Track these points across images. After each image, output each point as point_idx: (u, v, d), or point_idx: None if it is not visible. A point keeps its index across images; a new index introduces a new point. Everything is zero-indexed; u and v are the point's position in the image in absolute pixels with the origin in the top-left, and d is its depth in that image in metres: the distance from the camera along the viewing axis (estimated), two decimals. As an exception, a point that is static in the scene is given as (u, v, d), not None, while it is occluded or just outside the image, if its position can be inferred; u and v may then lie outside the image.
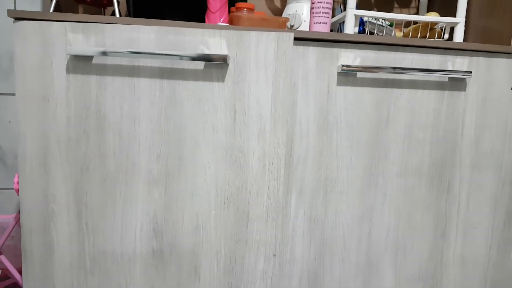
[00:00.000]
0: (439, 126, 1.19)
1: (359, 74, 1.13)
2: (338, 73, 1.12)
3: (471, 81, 1.18)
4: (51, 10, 1.10)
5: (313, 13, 1.16)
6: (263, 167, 1.02)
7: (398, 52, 1.15)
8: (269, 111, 1.01)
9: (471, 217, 1.24)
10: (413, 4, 1.59)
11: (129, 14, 1.23)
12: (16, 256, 1.58)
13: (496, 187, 1.23)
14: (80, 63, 0.99)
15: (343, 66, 1.10)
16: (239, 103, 1.02)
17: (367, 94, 1.15)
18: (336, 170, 1.16)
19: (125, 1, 1.25)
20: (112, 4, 1.15)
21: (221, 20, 1.14)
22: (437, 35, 1.25)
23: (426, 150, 1.19)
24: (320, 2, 1.15)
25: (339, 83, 1.13)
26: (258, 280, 1.04)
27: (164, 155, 1.01)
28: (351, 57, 1.13)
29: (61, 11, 1.25)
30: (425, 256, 1.24)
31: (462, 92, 1.18)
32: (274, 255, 1.04)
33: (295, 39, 1.10)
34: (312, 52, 1.10)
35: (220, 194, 1.02)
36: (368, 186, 1.18)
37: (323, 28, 1.16)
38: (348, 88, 1.13)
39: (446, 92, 1.18)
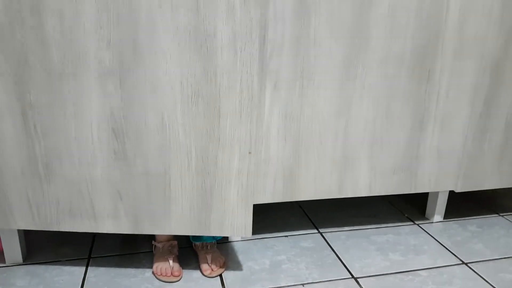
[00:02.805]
0: (423, 9, 1.01)
1: None
2: None
3: (461, -45, 0.98)
4: None
5: None
6: (234, 54, 0.82)
7: None
8: (239, -19, 0.78)
9: (450, 107, 1.11)
10: None
11: None
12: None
13: (476, 75, 1.10)
14: None
15: None
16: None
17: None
18: (314, 60, 0.98)
19: None
20: None
21: None
22: None
23: (408, 36, 1.02)
24: None
25: (318, -45, 0.91)
26: (233, 179, 0.90)
27: (115, 41, 0.78)
28: None
29: None
30: (401, 149, 1.13)
31: (451, -31, 0.99)
32: (250, 153, 0.89)
33: None
34: None
35: (186, 87, 0.83)
36: (347, 77, 1.02)
37: None
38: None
39: (434, -31, 0.98)
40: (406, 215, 1.36)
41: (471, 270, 1.05)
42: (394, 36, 1.01)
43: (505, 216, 1.36)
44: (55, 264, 1.03)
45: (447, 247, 1.16)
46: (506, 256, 1.13)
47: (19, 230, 1.02)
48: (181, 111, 0.85)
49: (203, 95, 0.84)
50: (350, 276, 1.02)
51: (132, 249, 1.11)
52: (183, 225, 0.93)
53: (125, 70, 0.80)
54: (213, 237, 1.08)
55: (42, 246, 1.11)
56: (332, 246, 1.15)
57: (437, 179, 1.19)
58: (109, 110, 0.83)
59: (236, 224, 0.94)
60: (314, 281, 1.00)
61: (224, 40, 0.80)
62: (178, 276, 0.98)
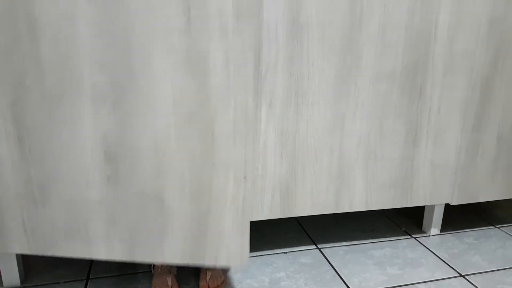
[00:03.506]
0: (412, 27, 1.01)
1: (330, -34, 0.92)
2: (307, -36, 0.90)
3: (448, -26, 0.99)
4: None
5: None
6: (227, 76, 0.81)
7: None
8: (230, 2, 0.78)
9: (442, 122, 1.11)
10: None
11: None
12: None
13: (466, 89, 1.09)
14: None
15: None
16: None
17: (339, -10, 0.94)
18: (307, 79, 0.98)
19: None
20: None
21: None
22: None
23: (399, 53, 1.02)
24: None
25: (308, -23, 0.91)
26: (228, 205, 0.87)
27: (109, 64, 0.78)
28: None
29: None
30: (396, 163, 1.12)
31: (439, -13, 1.00)
32: (245, 178, 0.87)
33: None
34: None
35: (179, 109, 0.82)
36: (340, 95, 1.01)
37: None
38: (318, -17, 0.92)
39: (422, -13, 0.99)
40: (403, 228, 1.34)
41: (468, 283, 1.04)
42: (385, 54, 1.01)
43: (501, 228, 1.35)
44: (53, 286, 1.01)
45: (444, 259, 1.15)
46: (503, 268, 1.11)
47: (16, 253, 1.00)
48: (174, 133, 0.83)
49: (197, 117, 0.83)
50: (349, 293, 1.00)
51: (131, 269, 1.09)
52: (176, 253, 0.90)
53: (118, 93, 0.79)
54: None
55: (40, 268, 1.09)
56: (330, 261, 1.14)
57: (433, 193, 1.17)
58: (102, 134, 0.82)
59: (231, 253, 0.90)
60: (312, 299, 0.98)
61: (218, 61, 0.79)
62: None
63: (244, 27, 0.77)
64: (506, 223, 1.38)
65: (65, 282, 1.03)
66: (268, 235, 1.28)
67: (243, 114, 0.84)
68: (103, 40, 0.76)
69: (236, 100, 0.83)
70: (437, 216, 1.28)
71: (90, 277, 1.05)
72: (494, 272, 1.09)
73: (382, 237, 1.28)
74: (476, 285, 1.03)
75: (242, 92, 0.82)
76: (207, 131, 0.84)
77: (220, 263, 0.91)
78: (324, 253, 1.18)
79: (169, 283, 0.97)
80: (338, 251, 1.19)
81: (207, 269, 1.02)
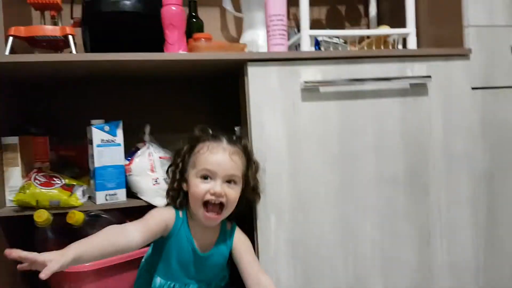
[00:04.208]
0: (408, 133, 1.06)
1: (322, 89, 1.01)
2: (302, 89, 1.00)
3: (432, 86, 1.07)
4: (7, 53, 0.96)
5: (270, 36, 1.05)
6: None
7: (357, 64, 1.03)
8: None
9: (453, 220, 1.09)
10: (363, 22, 1.50)
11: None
12: None
13: (473, 187, 1.10)
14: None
15: (305, 82, 0.98)
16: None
17: (332, 107, 1.02)
18: (311, 188, 1.01)
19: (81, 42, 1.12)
20: (68, 46, 1.01)
21: (180, 50, 1.02)
22: (391, 47, 1.16)
23: (398, 158, 1.06)
24: (275, 25, 1.04)
25: (304, 99, 1.00)
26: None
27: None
28: (312, 73, 1.01)
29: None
30: (414, 266, 1.07)
31: (425, 97, 1.07)
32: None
33: (255, 60, 0.98)
34: (274, 71, 0.99)
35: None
36: (345, 201, 1.03)
37: (281, 49, 1.05)
38: (314, 103, 1.01)
39: (410, 99, 1.06)
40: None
41: None
42: (384, 159, 1.05)
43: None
44: None
45: None
46: None
47: None
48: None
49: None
50: None
51: None
52: None
53: None
54: None
55: None
56: None
57: (457, 295, 1.10)
58: None
59: None
60: None
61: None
62: None
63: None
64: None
65: None
66: None
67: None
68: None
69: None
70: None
71: None
72: None
73: None
74: None
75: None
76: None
77: None
78: None
79: None
80: None
81: None
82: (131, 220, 0.87)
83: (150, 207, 0.97)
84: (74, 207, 0.95)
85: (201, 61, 1.00)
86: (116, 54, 0.93)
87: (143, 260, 0.97)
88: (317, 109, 1.01)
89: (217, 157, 0.86)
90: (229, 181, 0.86)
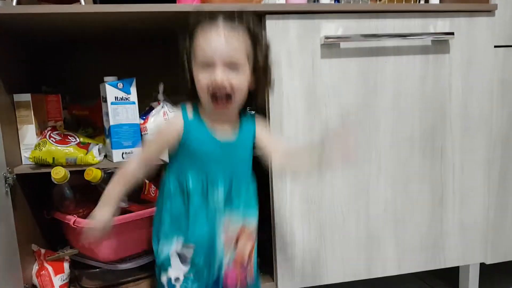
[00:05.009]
0: (427, 93, 1.03)
1: (342, 45, 0.97)
2: (322, 45, 0.95)
3: (454, 43, 1.02)
4: (14, 3, 0.90)
5: (288, -13, 0.99)
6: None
7: (379, 19, 0.98)
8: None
9: (467, 182, 1.08)
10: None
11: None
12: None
13: (488, 149, 1.08)
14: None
15: (326, 37, 0.93)
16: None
17: (352, 64, 0.98)
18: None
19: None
20: (77, 0, 0.95)
21: (194, 2, 0.96)
22: (414, 1, 1.09)
23: (416, 118, 1.03)
24: (294, -24, 0.98)
25: (323, 55, 0.96)
26: None
27: None
28: (332, 28, 0.96)
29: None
30: (425, 226, 1.08)
31: (447, 55, 1.02)
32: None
33: (273, 13, 0.93)
34: (292, 25, 0.93)
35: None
36: (362, 161, 1.02)
37: (301, 1, 0.99)
38: (333, 60, 0.97)
39: (431, 56, 1.02)
40: (439, 291, 1.26)
41: None
42: (401, 121, 1.02)
43: (543, 286, 1.25)
44: None
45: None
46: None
47: None
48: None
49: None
50: None
51: None
52: None
53: None
54: None
55: None
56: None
57: (465, 253, 1.12)
58: None
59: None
60: None
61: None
62: None
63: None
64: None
65: None
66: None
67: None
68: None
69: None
70: (473, 276, 1.21)
71: None
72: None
73: (419, 301, 1.20)
74: None
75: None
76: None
77: None
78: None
79: None
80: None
81: None
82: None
83: (165, 164, 0.95)
84: (91, 165, 0.93)
85: (215, 14, 0.94)
86: (127, 6, 0.87)
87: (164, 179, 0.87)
88: (337, 66, 0.97)
89: (211, 42, 0.75)
90: (231, 67, 0.75)
